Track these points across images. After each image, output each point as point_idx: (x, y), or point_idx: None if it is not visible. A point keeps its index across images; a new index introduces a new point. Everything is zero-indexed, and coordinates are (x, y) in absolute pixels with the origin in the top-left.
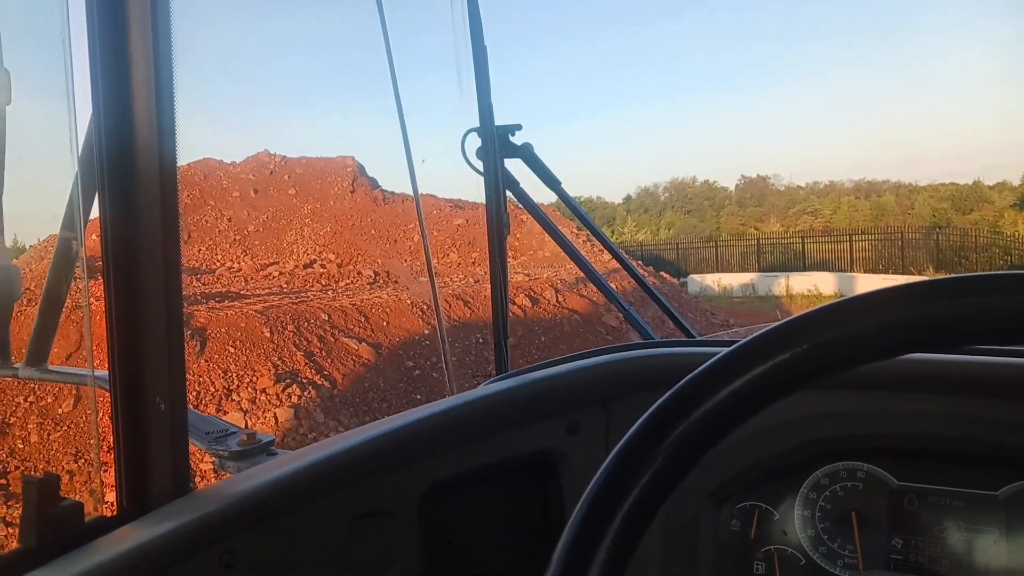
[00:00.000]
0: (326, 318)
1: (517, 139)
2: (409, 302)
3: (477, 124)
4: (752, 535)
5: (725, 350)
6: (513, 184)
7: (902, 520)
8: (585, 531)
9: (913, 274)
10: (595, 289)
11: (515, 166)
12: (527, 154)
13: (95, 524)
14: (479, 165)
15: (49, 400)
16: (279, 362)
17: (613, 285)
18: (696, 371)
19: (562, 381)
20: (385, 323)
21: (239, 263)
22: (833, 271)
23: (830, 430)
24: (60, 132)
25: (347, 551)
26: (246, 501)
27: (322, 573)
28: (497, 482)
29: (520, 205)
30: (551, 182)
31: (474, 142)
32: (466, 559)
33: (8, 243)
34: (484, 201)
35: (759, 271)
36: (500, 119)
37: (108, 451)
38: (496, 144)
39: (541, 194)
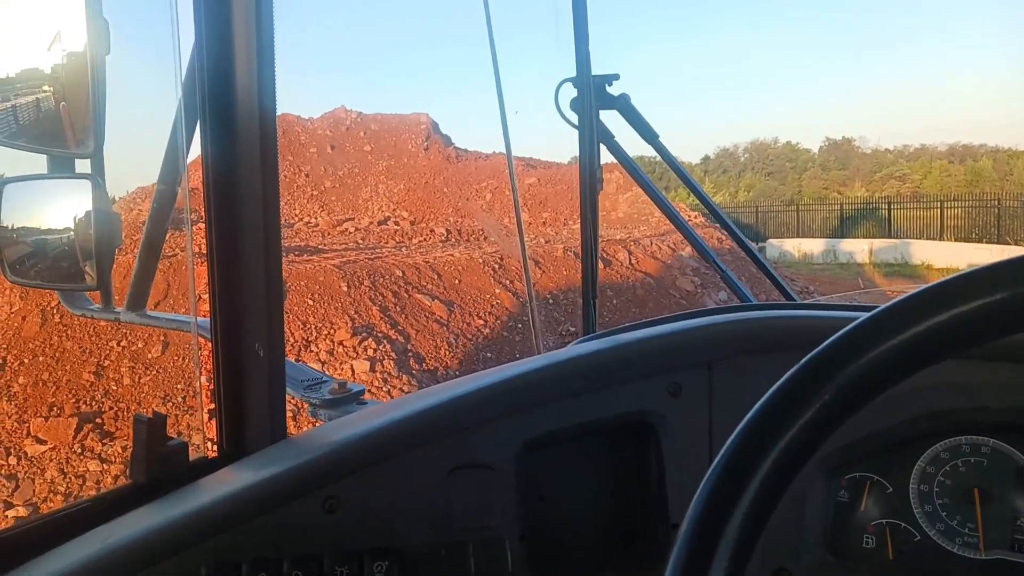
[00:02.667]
0: (400, 274)
1: (614, 89)
2: (481, 261)
3: (569, 74)
4: (862, 507)
5: (865, 314)
6: (608, 137)
7: None
8: (722, 491)
9: (1009, 244)
10: (668, 252)
11: (608, 120)
12: (624, 105)
13: (198, 464)
14: (573, 117)
15: (140, 345)
16: (355, 316)
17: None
18: (852, 324)
19: (664, 341)
20: (457, 281)
21: (316, 218)
22: (921, 239)
23: (954, 402)
24: (160, 79)
25: (446, 500)
26: (347, 447)
27: (421, 520)
28: (593, 441)
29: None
30: (649, 135)
31: (567, 93)
32: (560, 516)
33: None
34: (556, 159)
35: (841, 237)
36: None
37: (194, 396)
38: (593, 95)
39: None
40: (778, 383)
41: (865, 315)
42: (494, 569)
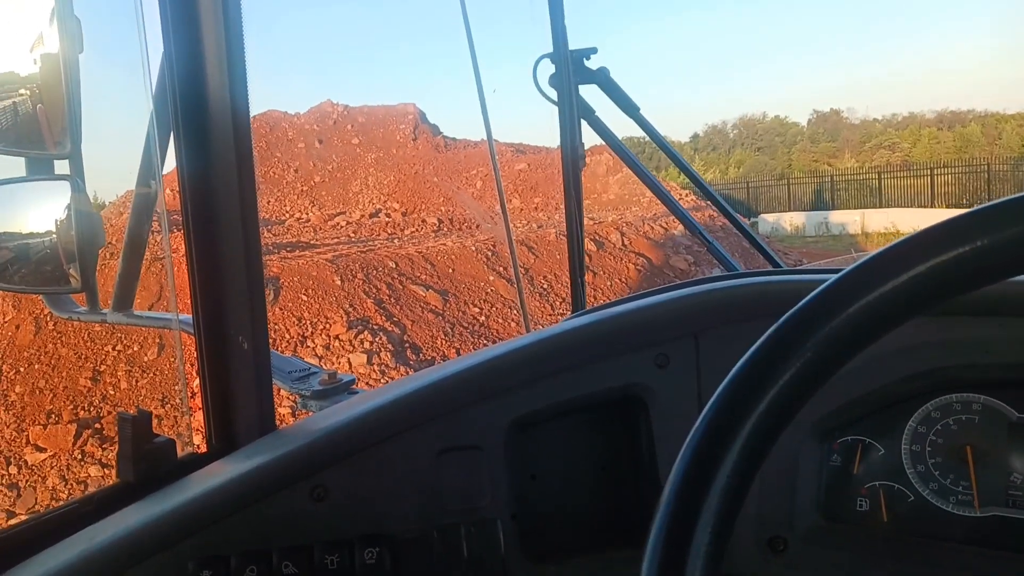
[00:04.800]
0: (393, 266)
1: (592, 64)
2: (474, 249)
3: (547, 51)
4: (855, 470)
5: (842, 271)
6: (588, 112)
7: (1022, 455)
8: (702, 457)
9: None
10: (661, 232)
11: (589, 96)
12: (603, 79)
13: (187, 460)
14: (552, 94)
15: (135, 348)
16: (350, 309)
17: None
18: (827, 283)
19: (650, 313)
20: (451, 270)
21: (307, 213)
22: (912, 207)
23: (943, 360)
24: (134, 82)
25: (436, 483)
26: (334, 436)
27: (413, 504)
28: (583, 417)
29: (595, 138)
30: (629, 108)
31: (546, 70)
32: (552, 494)
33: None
34: (547, 144)
35: (833, 209)
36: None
37: (192, 396)
38: (571, 69)
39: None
40: (753, 346)
41: (841, 272)
42: (487, 549)
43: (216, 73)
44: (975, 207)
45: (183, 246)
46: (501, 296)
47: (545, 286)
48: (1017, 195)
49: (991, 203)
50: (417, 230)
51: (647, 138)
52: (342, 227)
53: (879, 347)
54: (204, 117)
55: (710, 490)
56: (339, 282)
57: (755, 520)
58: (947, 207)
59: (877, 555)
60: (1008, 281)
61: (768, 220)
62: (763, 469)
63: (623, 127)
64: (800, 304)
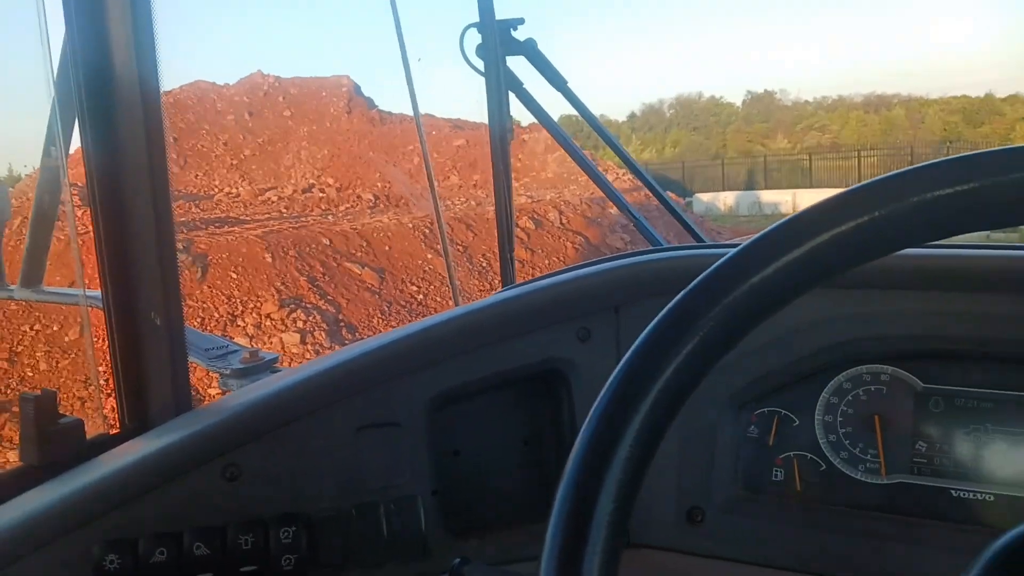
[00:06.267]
0: (327, 243)
1: (519, 35)
2: (411, 226)
3: (474, 20)
4: (771, 442)
5: (752, 237)
6: (516, 85)
7: (927, 424)
8: (604, 428)
9: None
10: (599, 211)
11: (518, 69)
12: (531, 50)
13: (97, 441)
14: (479, 64)
15: (55, 328)
16: (282, 287)
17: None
18: (729, 254)
19: (571, 287)
20: (387, 248)
21: (237, 188)
22: (840, 188)
23: (852, 332)
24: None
25: (354, 461)
26: (248, 414)
27: (329, 483)
28: (505, 391)
29: (526, 111)
30: (557, 82)
31: (473, 40)
32: (475, 469)
33: (3, 172)
34: (485, 121)
35: (766, 188)
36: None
37: (108, 376)
38: (497, 40)
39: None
40: (656, 317)
41: (743, 243)
42: (407, 526)
43: (122, 43)
44: (876, 177)
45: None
46: (439, 274)
47: (484, 264)
48: (916, 166)
49: (892, 173)
50: (352, 206)
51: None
52: (273, 202)
53: (794, 320)
54: (109, 87)
55: (613, 460)
56: (270, 259)
57: (674, 491)
58: None
59: (791, 523)
60: (916, 253)
61: (703, 199)
62: (681, 441)
63: (561, 106)
64: (703, 275)
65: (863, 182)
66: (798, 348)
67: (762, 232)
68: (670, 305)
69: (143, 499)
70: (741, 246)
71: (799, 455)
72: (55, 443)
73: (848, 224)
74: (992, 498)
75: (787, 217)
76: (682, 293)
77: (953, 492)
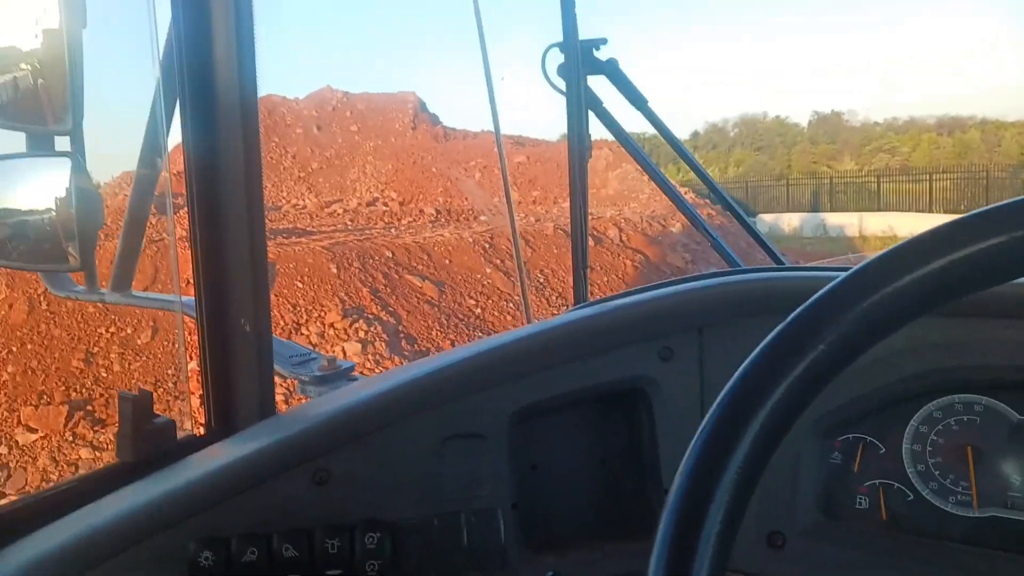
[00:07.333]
0: (390, 255)
1: (602, 55)
2: (471, 240)
3: (556, 40)
4: (856, 468)
5: (850, 269)
6: (596, 104)
7: (1022, 457)
8: (709, 456)
9: None
10: (659, 228)
11: (597, 88)
12: (612, 70)
13: (187, 442)
14: (560, 84)
15: (129, 331)
16: (346, 297)
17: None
18: (830, 285)
19: (655, 306)
20: (447, 261)
21: (304, 200)
22: (910, 212)
23: (946, 361)
24: (141, 59)
25: (438, 470)
26: (336, 420)
27: (414, 491)
28: (586, 408)
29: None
30: (638, 101)
31: (555, 59)
32: (552, 485)
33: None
34: (546, 137)
35: (831, 211)
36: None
37: (187, 379)
38: (579, 59)
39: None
40: (762, 343)
41: (850, 270)
42: (487, 538)
43: (224, 51)
44: (982, 208)
45: (183, 228)
46: (498, 289)
47: (541, 280)
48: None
49: (1001, 203)
50: (414, 220)
51: (648, 134)
52: (339, 215)
53: (882, 346)
54: (212, 96)
55: (721, 481)
56: (335, 270)
57: (755, 515)
58: (945, 212)
59: (875, 553)
60: (1011, 283)
61: (766, 220)
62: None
63: (627, 122)
64: (810, 301)
65: (991, 205)
66: (888, 374)
67: (882, 252)
68: (778, 329)
69: (234, 500)
70: (862, 264)
71: (885, 484)
72: (149, 442)
73: (978, 245)
74: None
75: (911, 237)
76: (789, 318)
77: None
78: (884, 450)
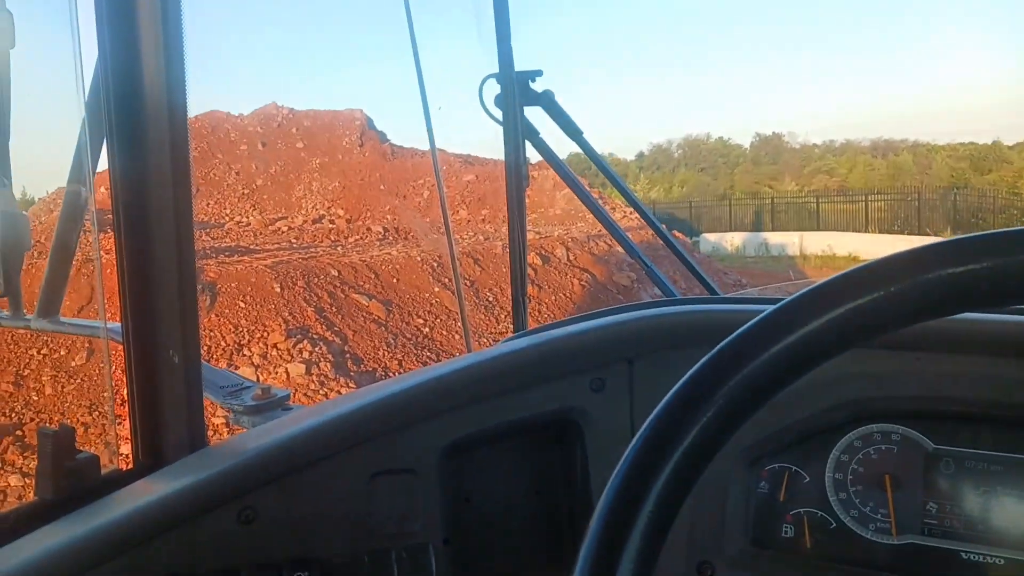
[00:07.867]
0: (336, 274)
1: (537, 86)
2: (419, 259)
3: (493, 71)
4: (781, 498)
5: (770, 307)
6: (532, 134)
7: (937, 484)
8: (628, 489)
9: (929, 235)
10: (606, 248)
11: (534, 117)
12: (548, 102)
13: (111, 477)
14: (497, 114)
15: (62, 353)
16: (289, 317)
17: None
18: (749, 324)
19: (586, 338)
20: (395, 280)
21: (248, 217)
22: (847, 231)
23: (864, 391)
24: (66, 79)
25: (368, 507)
26: (265, 456)
27: (344, 528)
28: (518, 440)
29: (540, 156)
30: (572, 132)
31: (492, 89)
32: (486, 517)
33: (16, 195)
34: (496, 156)
35: (773, 230)
36: (516, 65)
37: (122, 404)
38: (516, 91)
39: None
40: (684, 377)
41: (768, 310)
42: (417, 575)
43: (153, 73)
44: (905, 250)
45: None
46: (446, 308)
47: (491, 299)
48: (950, 239)
49: (926, 246)
50: (362, 238)
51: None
52: (283, 232)
53: (806, 378)
54: (140, 118)
55: (638, 517)
56: (279, 289)
57: (685, 545)
58: (880, 232)
59: None
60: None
61: (710, 239)
62: (694, 495)
63: (569, 144)
64: (733, 336)
65: (884, 256)
66: (810, 405)
67: (790, 297)
68: (698, 365)
69: (159, 539)
70: (783, 303)
71: (809, 512)
72: (71, 479)
73: (874, 294)
74: (1002, 561)
75: (818, 282)
76: (710, 354)
77: (963, 555)
78: (808, 479)
